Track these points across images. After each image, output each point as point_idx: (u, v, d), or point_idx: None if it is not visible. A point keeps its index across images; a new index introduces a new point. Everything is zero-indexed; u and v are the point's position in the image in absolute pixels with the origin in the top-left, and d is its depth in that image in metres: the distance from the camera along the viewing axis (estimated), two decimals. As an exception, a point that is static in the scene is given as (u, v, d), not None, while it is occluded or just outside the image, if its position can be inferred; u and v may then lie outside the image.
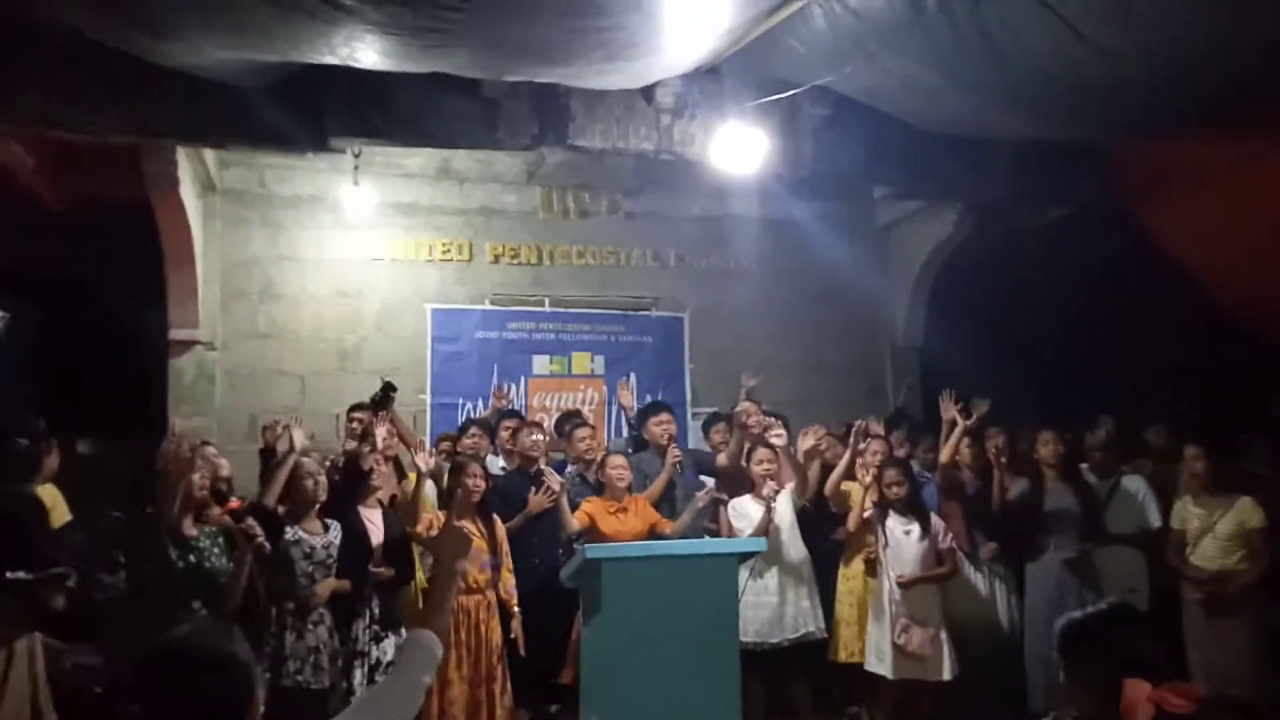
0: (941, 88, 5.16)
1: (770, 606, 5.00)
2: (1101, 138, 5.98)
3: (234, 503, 4.33)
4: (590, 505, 5.07)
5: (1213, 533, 4.77)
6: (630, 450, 5.98)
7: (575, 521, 4.94)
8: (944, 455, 5.30)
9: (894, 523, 4.96)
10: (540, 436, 5.58)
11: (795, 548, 5.15)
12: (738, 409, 5.74)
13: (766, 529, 4.99)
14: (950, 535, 5.03)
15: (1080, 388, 6.87)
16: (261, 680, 1.72)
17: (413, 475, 5.05)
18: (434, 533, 4.57)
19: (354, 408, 5.67)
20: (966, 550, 5.24)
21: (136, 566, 3.84)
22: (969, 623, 5.12)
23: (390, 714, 1.80)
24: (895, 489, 4.95)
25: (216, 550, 3.93)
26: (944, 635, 4.85)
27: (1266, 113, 4.85)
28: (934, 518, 5.01)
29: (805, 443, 5.31)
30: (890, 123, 5.87)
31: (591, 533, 5.03)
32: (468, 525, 4.66)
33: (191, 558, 3.85)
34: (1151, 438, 5.87)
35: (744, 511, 5.20)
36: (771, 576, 5.04)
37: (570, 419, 6.09)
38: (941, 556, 4.96)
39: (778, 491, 5.10)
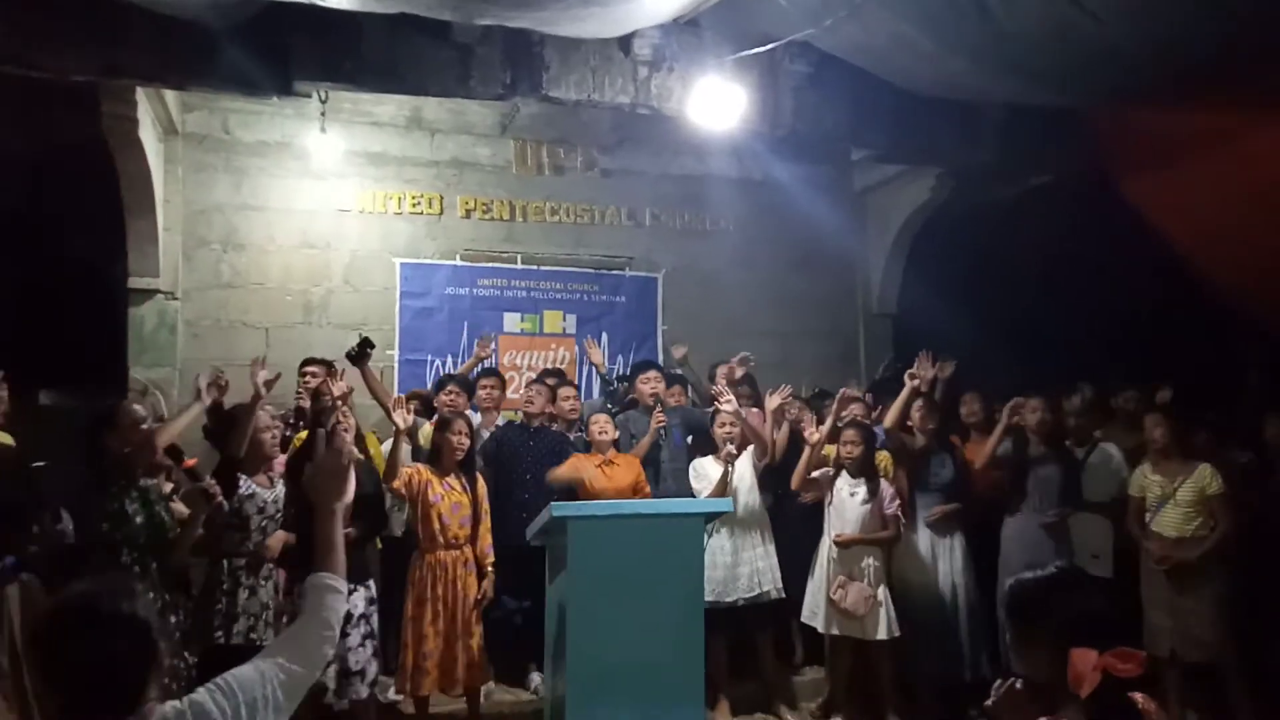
0: (928, 48, 5.06)
1: (725, 566, 5.06)
2: (1087, 105, 5.91)
3: (189, 461, 4.24)
4: (579, 460, 5.17)
5: (1174, 499, 4.79)
6: (609, 407, 5.94)
7: (564, 470, 5.08)
8: (888, 419, 5.26)
9: (843, 483, 5.02)
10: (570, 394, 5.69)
11: (752, 509, 5.19)
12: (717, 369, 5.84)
13: (725, 490, 5.00)
14: (897, 502, 5.04)
15: (1055, 355, 6.87)
16: (167, 638, 1.74)
17: (371, 435, 5.01)
18: (411, 487, 4.54)
19: (307, 361, 5.51)
20: (909, 513, 5.22)
21: (86, 517, 3.76)
22: (913, 585, 5.15)
23: (304, 656, 1.79)
24: (849, 448, 4.99)
25: (163, 505, 3.88)
26: (883, 595, 4.90)
27: (1251, 85, 4.82)
28: (884, 483, 5.03)
29: (771, 403, 5.30)
30: (874, 83, 5.76)
31: (581, 488, 5.10)
32: (450, 482, 4.66)
33: (145, 511, 3.78)
34: (1120, 404, 5.87)
35: (704, 472, 5.24)
36: (726, 537, 5.09)
37: (550, 376, 6.05)
38: (885, 521, 4.99)
39: (737, 454, 5.12)
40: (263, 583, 4.10)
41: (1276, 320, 6.25)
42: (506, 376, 6.79)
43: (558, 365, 7.03)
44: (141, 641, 1.62)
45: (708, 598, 4.89)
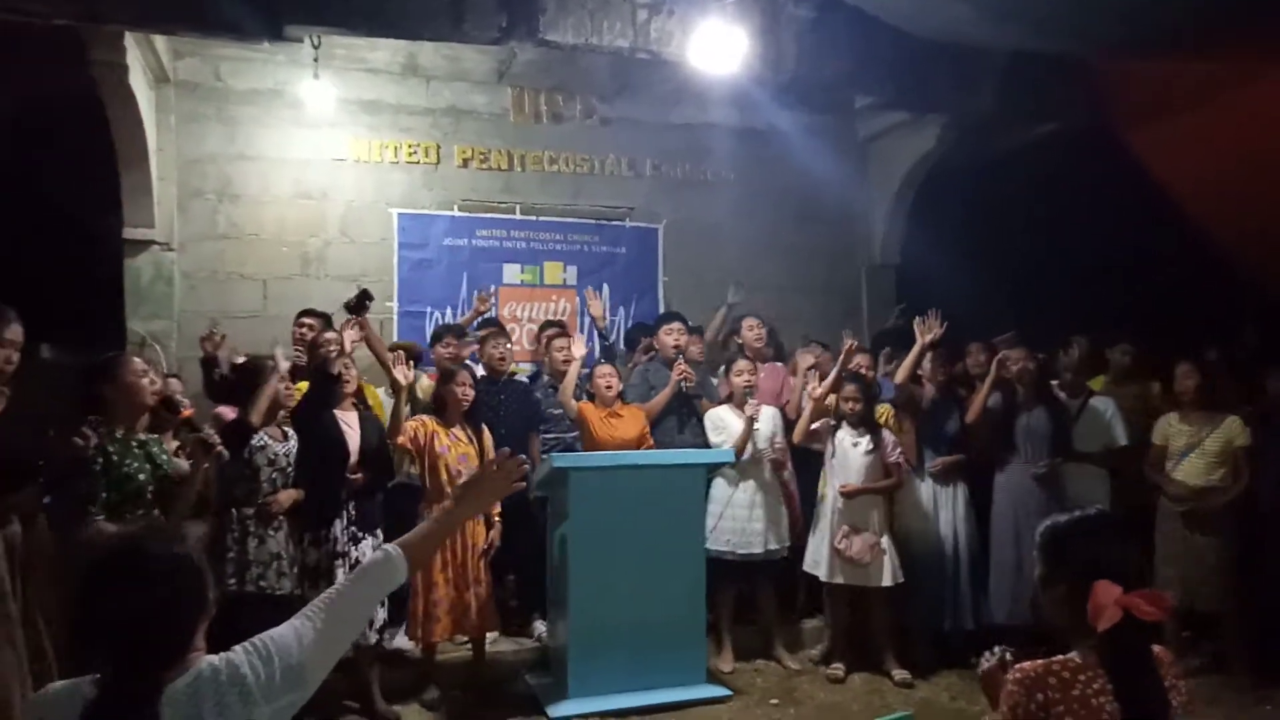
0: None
1: (743, 519, 5.04)
2: (1091, 54, 5.83)
3: (187, 411, 4.21)
4: (586, 407, 5.15)
5: (1200, 449, 4.86)
6: (602, 361, 5.90)
7: (573, 405, 5.12)
8: (900, 374, 5.26)
9: (844, 434, 5.01)
10: (509, 345, 5.50)
11: (769, 469, 5.17)
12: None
13: (745, 444, 4.98)
14: (899, 450, 5.04)
15: (1055, 307, 6.81)
16: (213, 584, 1.66)
17: (369, 386, 4.99)
18: (417, 441, 4.58)
19: (304, 313, 5.50)
20: (914, 465, 5.23)
21: (77, 472, 3.73)
22: (914, 534, 5.17)
23: (341, 627, 1.74)
24: (850, 404, 4.98)
25: (165, 455, 3.85)
26: (886, 544, 4.92)
27: (1254, 35, 4.75)
28: (885, 433, 5.02)
29: (804, 361, 5.35)
30: (878, 28, 5.65)
31: (585, 434, 5.10)
32: (456, 433, 4.66)
33: (147, 463, 3.75)
34: (1116, 357, 5.84)
35: (723, 424, 5.19)
36: (745, 491, 5.07)
37: (550, 328, 6.01)
38: (888, 469, 4.99)
39: (759, 407, 5.10)
40: (272, 533, 4.12)
41: (1275, 274, 6.20)
42: (508, 328, 6.77)
43: (559, 317, 6.98)
44: (196, 588, 1.59)
45: (727, 549, 4.96)
